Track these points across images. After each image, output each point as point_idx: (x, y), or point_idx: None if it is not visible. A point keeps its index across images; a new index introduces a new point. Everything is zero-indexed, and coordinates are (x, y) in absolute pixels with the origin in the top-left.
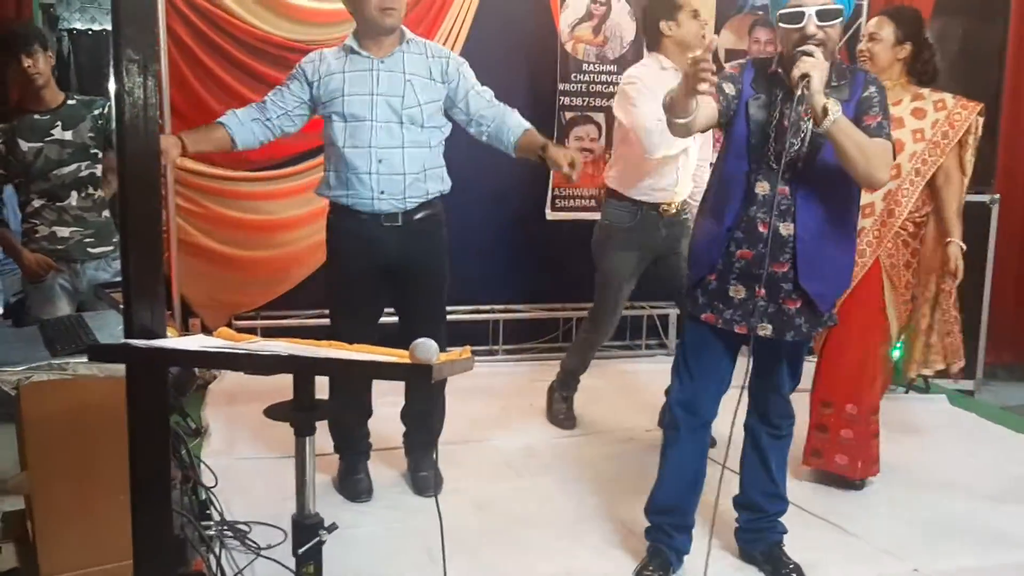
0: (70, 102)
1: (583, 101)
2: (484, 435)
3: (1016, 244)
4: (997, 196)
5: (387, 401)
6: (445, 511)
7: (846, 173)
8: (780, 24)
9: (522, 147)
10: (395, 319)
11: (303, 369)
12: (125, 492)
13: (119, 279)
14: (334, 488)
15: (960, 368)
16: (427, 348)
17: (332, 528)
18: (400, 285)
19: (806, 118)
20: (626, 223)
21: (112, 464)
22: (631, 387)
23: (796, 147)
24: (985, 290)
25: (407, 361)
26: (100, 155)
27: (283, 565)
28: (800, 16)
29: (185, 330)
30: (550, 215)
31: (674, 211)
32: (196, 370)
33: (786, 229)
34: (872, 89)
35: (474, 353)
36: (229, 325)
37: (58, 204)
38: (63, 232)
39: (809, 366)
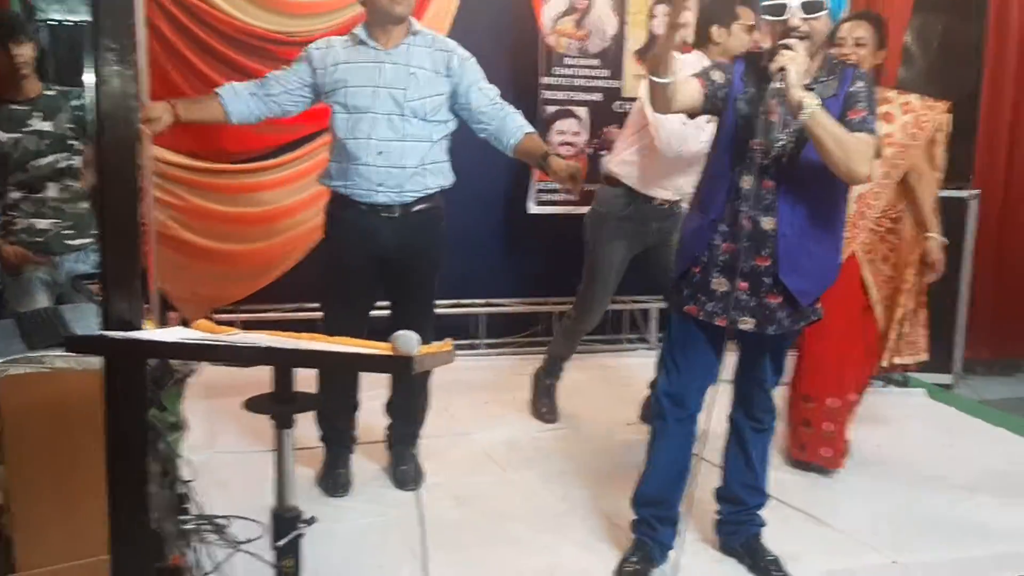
0: (48, 93)
1: (565, 95)
2: (466, 429)
3: (993, 240)
4: (976, 192)
5: (371, 395)
6: (426, 505)
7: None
8: (764, 17)
9: (522, 151)
10: (386, 312)
11: (282, 361)
12: (102, 486)
13: (98, 271)
14: (316, 482)
15: (923, 361)
16: (408, 340)
17: (311, 521)
18: (394, 276)
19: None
20: (620, 211)
21: (89, 458)
22: (613, 381)
23: (782, 142)
24: (963, 285)
25: (388, 353)
26: (78, 146)
27: (262, 559)
28: (783, 8)
29: (164, 324)
30: (533, 209)
31: (667, 207)
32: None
33: (769, 224)
34: (860, 84)
35: (456, 347)
36: (209, 319)
37: (36, 196)
38: (41, 224)
39: (790, 360)
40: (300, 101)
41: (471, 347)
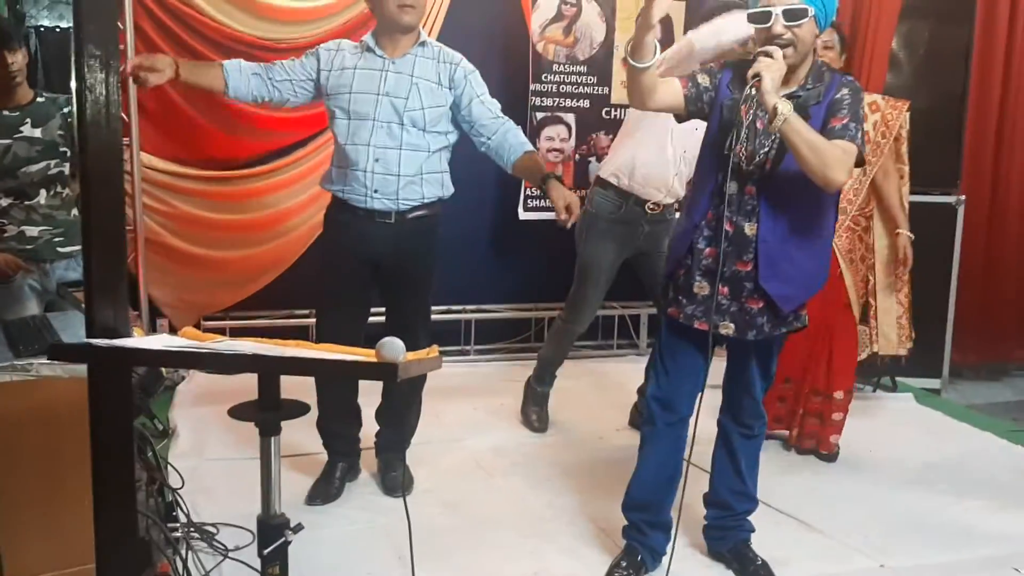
0: (39, 100)
1: (553, 102)
2: (455, 435)
3: (981, 245)
4: (962, 198)
5: (362, 401)
6: (415, 511)
7: None
8: (750, 24)
9: (520, 169)
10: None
11: (267, 368)
12: (90, 494)
13: None
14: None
15: (907, 355)
16: (393, 347)
17: (298, 528)
18: (388, 282)
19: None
20: (610, 213)
21: (76, 465)
22: (602, 387)
23: (766, 149)
24: (951, 291)
25: (372, 360)
26: (69, 153)
27: (250, 567)
28: (768, 16)
29: (153, 331)
30: (523, 215)
31: (658, 212)
32: (164, 371)
33: (751, 229)
34: (845, 91)
35: (447, 353)
36: (197, 326)
37: (26, 203)
38: (32, 231)
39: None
40: (301, 93)
41: (461, 353)
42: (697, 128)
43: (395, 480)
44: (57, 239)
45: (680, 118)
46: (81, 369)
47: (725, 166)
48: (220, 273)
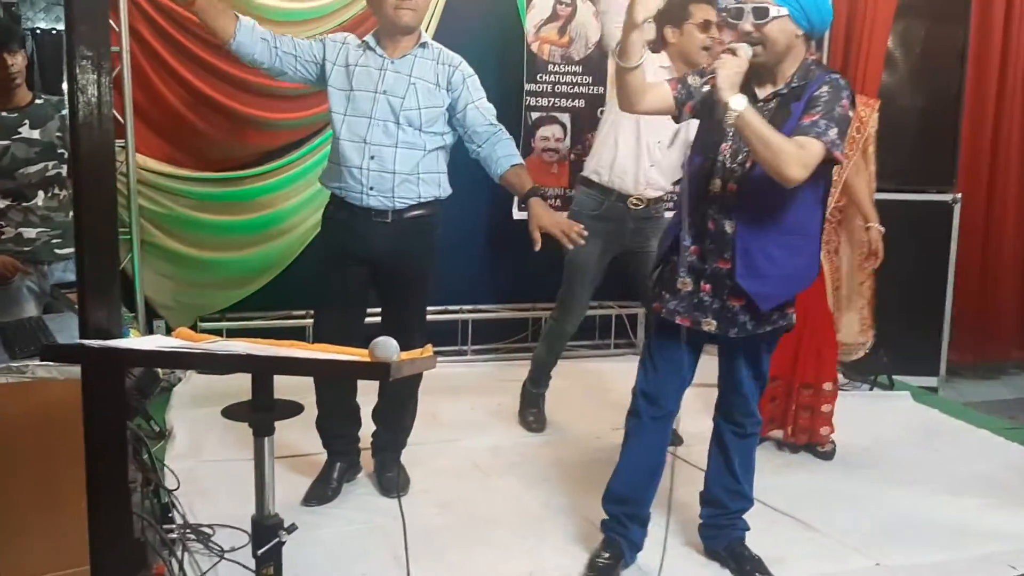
0: (38, 101)
1: (548, 102)
2: (452, 435)
3: (977, 243)
4: (959, 196)
5: (362, 401)
6: (411, 511)
7: (809, 176)
8: (728, 21)
9: (507, 181)
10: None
11: (259, 368)
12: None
13: None
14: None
15: (867, 344)
16: (386, 346)
17: (292, 529)
18: (385, 281)
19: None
20: (592, 210)
21: (71, 467)
22: (599, 386)
23: (747, 148)
24: (948, 289)
25: (365, 359)
26: (67, 155)
27: (246, 567)
28: (740, 13)
29: (150, 332)
30: (518, 215)
31: (642, 207)
32: (160, 372)
33: (731, 227)
34: (824, 88)
35: (444, 353)
36: (194, 327)
37: (24, 204)
38: (29, 233)
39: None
40: (300, 71)
41: (458, 353)
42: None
43: (391, 480)
44: (55, 240)
45: (676, 119)
46: (77, 371)
47: (711, 164)
48: (216, 274)
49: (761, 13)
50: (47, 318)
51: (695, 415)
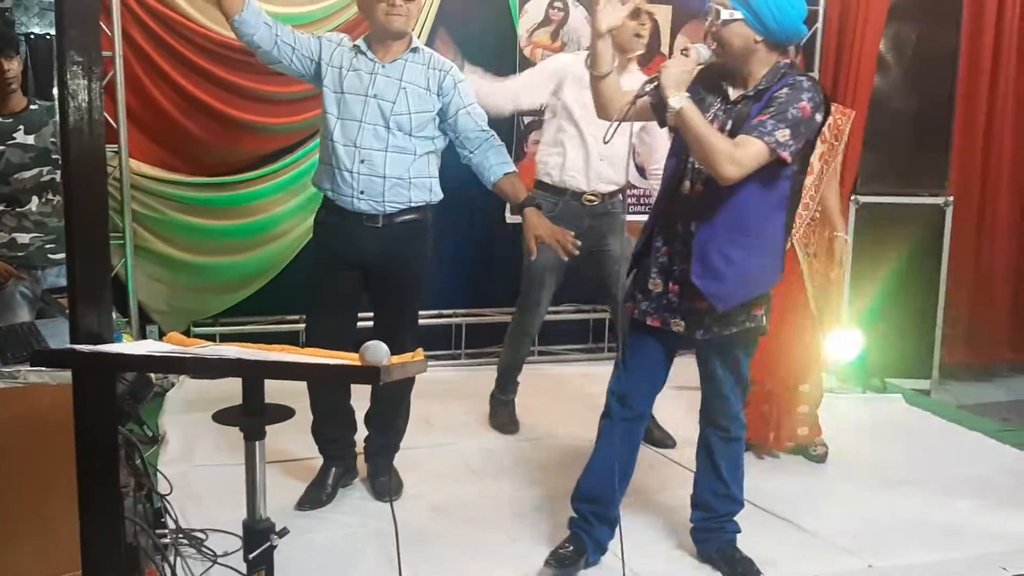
0: (33, 107)
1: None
2: (445, 439)
3: (970, 246)
4: (951, 199)
5: (357, 406)
6: (404, 515)
7: (761, 177)
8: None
9: (500, 190)
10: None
11: (248, 372)
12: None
13: None
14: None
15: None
16: (376, 350)
17: (283, 533)
18: (376, 286)
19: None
20: (548, 212)
21: (63, 472)
22: (592, 390)
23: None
24: (940, 291)
25: (356, 363)
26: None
27: (239, 572)
28: (709, 12)
29: (143, 338)
30: (511, 218)
31: (598, 202)
32: (153, 377)
33: (696, 227)
34: (784, 90)
35: (437, 357)
36: (187, 332)
37: (18, 209)
38: (23, 238)
39: None
40: (295, 64)
41: (451, 357)
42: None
43: (384, 484)
44: (48, 246)
45: (661, 125)
46: (69, 376)
47: (683, 166)
48: (210, 279)
49: (716, 15)
50: (40, 323)
51: (690, 419)
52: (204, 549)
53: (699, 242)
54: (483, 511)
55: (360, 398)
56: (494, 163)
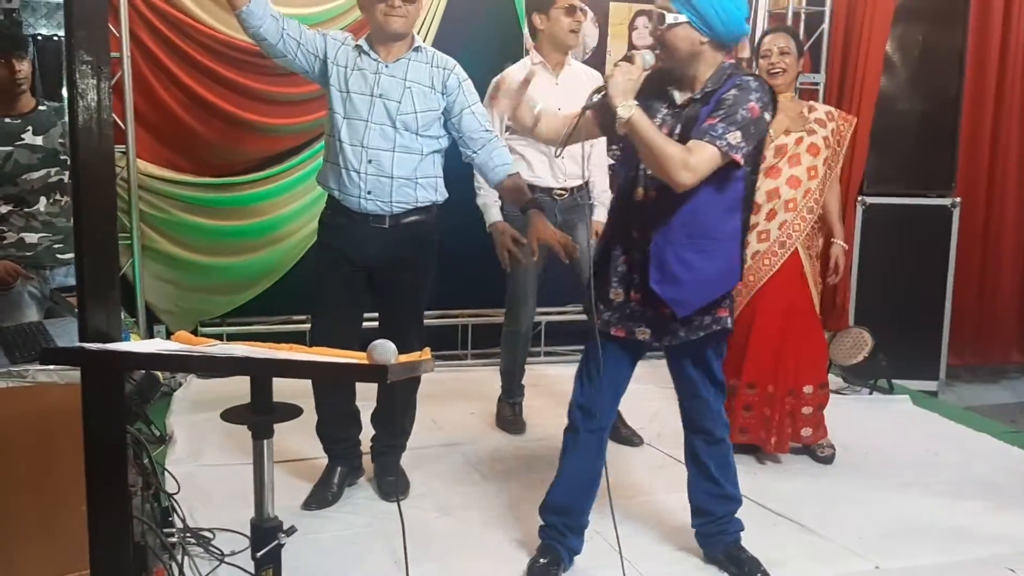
0: (41, 108)
1: None
2: (451, 439)
3: (977, 247)
4: (958, 200)
5: (363, 406)
6: (411, 516)
7: (714, 180)
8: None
9: (505, 190)
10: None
11: (256, 370)
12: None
13: None
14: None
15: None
16: (384, 349)
17: (291, 531)
18: (382, 286)
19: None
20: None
21: (71, 471)
22: None
23: None
24: (947, 293)
25: (363, 362)
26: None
27: (246, 571)
28: (653, 16)
29: (150, 337)
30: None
31: (567, 196)
32: (160, 377)
33: (652, 234)
34: (732, 92)
35: (443, 358)
36: (195, 332)
37: (26, 210)
38: (31, 238)
39: None
40: (300, 59)
41: (457, 358)
42: (560, 108)
43: (391, 484)
44: (57, 246)
45: (608, 135)
46: (77, 375)
47: (635, 173)
48: (217, 279)
49: (660, 19)
50: (48, 323)
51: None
52: (211, 548)
53: (656, 248)
54: (490, 511)
55: (366, 398)
56: (498, 163)
